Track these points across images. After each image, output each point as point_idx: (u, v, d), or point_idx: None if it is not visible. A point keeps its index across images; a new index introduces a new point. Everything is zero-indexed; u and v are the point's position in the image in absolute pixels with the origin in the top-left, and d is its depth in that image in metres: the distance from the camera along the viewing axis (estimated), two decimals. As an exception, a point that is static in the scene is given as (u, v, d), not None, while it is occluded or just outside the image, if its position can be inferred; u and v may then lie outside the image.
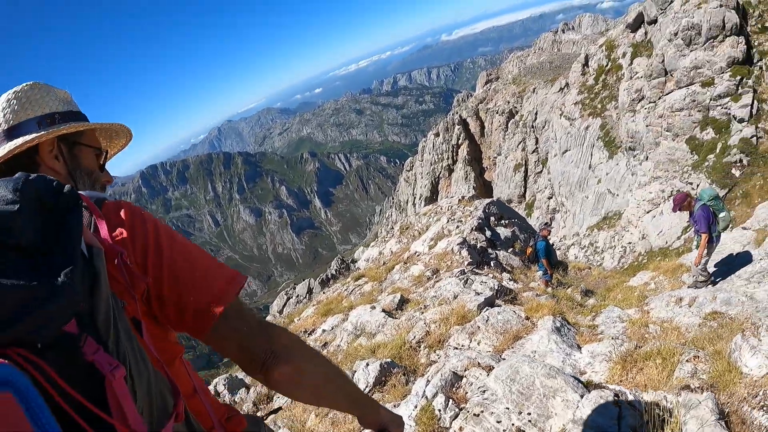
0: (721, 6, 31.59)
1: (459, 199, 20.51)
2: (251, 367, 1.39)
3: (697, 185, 27.91)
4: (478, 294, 7.20)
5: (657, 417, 3.01)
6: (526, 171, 74.15)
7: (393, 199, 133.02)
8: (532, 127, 74.55)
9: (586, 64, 52.01)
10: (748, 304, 6.51)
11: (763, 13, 33.01)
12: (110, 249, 1.18)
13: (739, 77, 29.84)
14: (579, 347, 4.98)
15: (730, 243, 10.70)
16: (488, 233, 15.63)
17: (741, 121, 28.65)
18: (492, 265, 12.99)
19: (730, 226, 10.25)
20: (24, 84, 1.54)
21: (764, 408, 3.02)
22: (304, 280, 30.28)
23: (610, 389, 3.52)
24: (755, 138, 27.60)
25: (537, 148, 72.19)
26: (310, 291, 26.84)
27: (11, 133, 1.49)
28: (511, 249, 15.43)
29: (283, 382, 1.41)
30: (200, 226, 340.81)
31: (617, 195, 39.44)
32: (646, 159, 35.03)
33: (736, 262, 9.60)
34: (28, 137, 1.47)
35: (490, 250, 14.30)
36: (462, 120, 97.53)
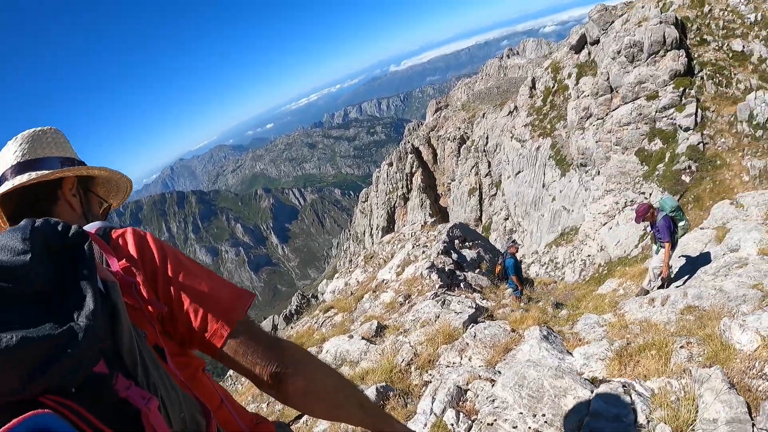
0: (661, 22, 33.36)
1: (422, 225, 20.59)
2: (264, 383, 1.42)
3: (650, 194, 28.94)
4: (459, 313, 7.18)
5: (667, 397, 3.09)
6: (480, 194, 75.20)
7: (350, 231, 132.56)
8: (484, 151, 75.96)
9: (533, 86, 53.67)
10: (719, 296, 6.70)
11: (701, 27, 35.13)
12: (124, 280, 1.22)
13: (682, 88, 31.36)
14: (569, 352, 5.03)
15: (692, 243, 11.06)
16: (454, 256, 15.68)
17: (687, 129, 30.03)
18: (462, 286, 13.01)
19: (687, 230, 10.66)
20: (49, 127, 1.66)
21: (763, 377, 3.22)
22: (266, 318, 29.73)
23: (616, 381, 3.59)
24: (702, 144, 28.99)
25: (490, 171, 73.52)
26: (275, 327, 26.36)
27: (33, 165, 1.57)
28: (478, 270, 15.52)
29: (296, 395, 1.43)
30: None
31: (572, 211, 40.41)
32: (598, 174, 36.14)
33: (701, 259, 9.93)
34: (56, 171, 1.57)
35: (458, 272, 14.34)
36: (414, 148, 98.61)
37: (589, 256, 31.62)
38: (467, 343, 5.39)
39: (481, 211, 74.43)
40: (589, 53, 43.97)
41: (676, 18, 34.33)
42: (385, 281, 15.00)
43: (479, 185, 76.45)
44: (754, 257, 8.42)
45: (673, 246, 9.36)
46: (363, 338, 7.72)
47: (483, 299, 10.94)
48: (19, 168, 1.56)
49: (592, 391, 3.50)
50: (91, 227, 1.39)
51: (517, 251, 12.77)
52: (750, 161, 26.56)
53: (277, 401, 1.66)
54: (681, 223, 9.15)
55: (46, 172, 1.54)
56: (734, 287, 7.14)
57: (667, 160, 30.14)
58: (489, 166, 73.90)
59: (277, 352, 1.42)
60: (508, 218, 60.99)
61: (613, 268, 25.85)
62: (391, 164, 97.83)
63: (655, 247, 9.83)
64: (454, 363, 5.13)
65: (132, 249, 1.36)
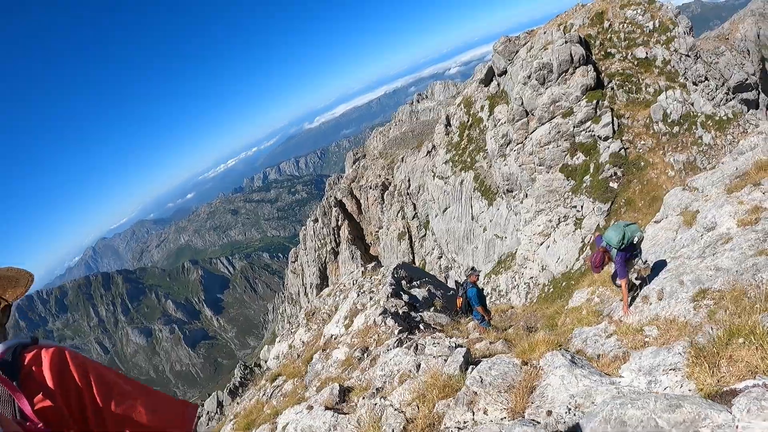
0: (566, 42, 34.84)
1: (362, 272, 19.33)
2: None
3: (581, 206, 29.23)
4: (444, 357, 5.90)
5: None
6: (410, 238, 75.16)
7: (284, 294, 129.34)
8: (408, 194, 76.40)
9: (448, 123, 54.50)
10: (722, 275, 6.27)
11: (603, 42, 37.32)
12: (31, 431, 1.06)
13: (595, 101, 32.52)
14: (607, 374, 3.89)
15: (661, 233, 10.72)
16: (405, 297, 14.62)
17: (606, 139, 30.93)
18: (421, 327, 11.92)
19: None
20: None
21: None
22: (210, 395, 27.59)
23: (751, 384, 2.60)
24: (623, 150, 29.95)
25: (416, 213, 73.80)
26: (220, 405, 24.19)
27: None
28: (432, 308, 14.51)
29: None
30: (88, 357, 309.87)
31: (505, 238, 40.44)
32: (526, 196, 36.38)
33: (677, 246, 9.50)
34: None
35: (413, 314, 13.27)
36: (338, 201, 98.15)
37: (531, 278, 31.33)
38: (475, 392, 4.08)
39: (413, 253, 74.02)
40: (498, 84, 45.19)
41: (579, 37, 36.19)
42: (334, 337, 13.71)
43: (407, 228, 76.56)
44: (735, 230, 8.08)
45: (639, 254, 8.82)
46: (326, 407, 6.23)
47: (448, 337, 9.78)
48: None
49: (730, 412, 2.41)
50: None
51: (477, 279, 11.68)
52: (672, 156, 27.60)
53: None
54: (635, 240, 8.53)
55: None
56: (733, 262, 6.65)
57: (592, 171, 30.71)
58: (414, 208, 74.20)
59: None
60: (441, 256, 60.76)
61: (558, 284, 25.60)
62: (316, 220, 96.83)
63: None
64: (466, 423, 3.80)
65: (49, 379, 1.18)
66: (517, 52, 41.10)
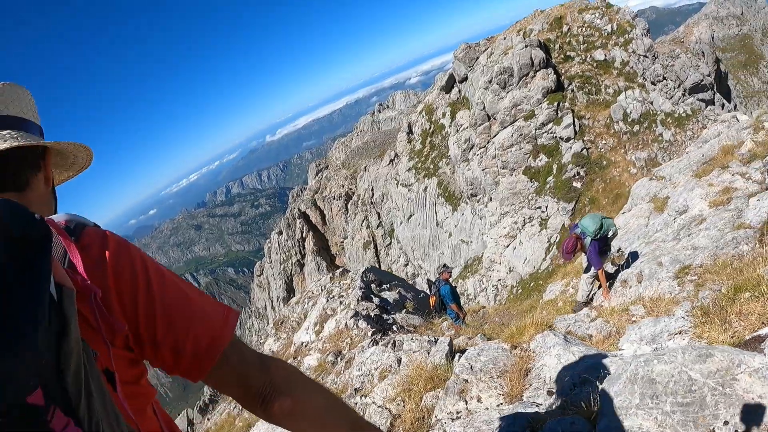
0: (526, 46, 35.33)
1: (330, 277, 18.96)
2: (251, 403, 1.35)
3: (546, 206, 29.57)
4: (421, 350, 5.63)
5: None
6: (375, 247, 74.97)
7: (250, 308, 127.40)
8: (372, 203, 76.33)
9: (410, 131, 54.58)
10: (700, 252, 6.31)
11: (563, 45, 38.10)
12: (84, 288, 1.05)
13: (556, 103, 33.08)
14: (606, 351, 3.73)
15: (633, 220, 10.83)
16: (376, 300, 14.32)
17: (568, 140, 31.46)
18: (394, 329, 11.66)
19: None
20: (10, 83, 1.36)
21: None
22: (180, 414, 26.85)
23: None
24: (585, 150, 30.54)
25: (381, 222, 73.70)
26: (191, 423, 23.45)
27: (19, 124, 1.32)
28: (404, 310, 14.26)
29: (282, 416, 1.35)
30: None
31: (471, 242, 40.56)
32: (490, 200, 36.57)
33: (650, 232, 9.56)
34: (41, 140, 1.34)
35: (385, 316, 12.99)
36: (302, 213, 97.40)
37: (499, 280, 31.45)
38: (466, 380, 3.80)
39: (379, 262, 73.70)
40: (460, 91, 45.52)
41: (539, 41, 36.90)
42: (304, 344, 13.40)
43: (372, 237, 76.43)
44: (708, 211, 8.19)
45: (609, 251, 8.74)
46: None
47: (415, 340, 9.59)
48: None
49: (765, 354, 2.34)
50: (59, 218, 1.19)
51: (450, 276, 11.49)
52: (634, 154, 28.32)
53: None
54: (610, 233, 8.52)
55: (37, 138, 1.32)
56: (710, 241, 6.72)
57: (555, 171, 31.13)
58: (379, 217, 74.08)
59: (265, 372, 1.34)
60: (408, 264, 60.68)
61: (527, 285, 25.79)
62: (280, 233, 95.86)
63: (585, 261, 9.19)
64: (459, 413, 3.51)
65: (107, 253, 1.16)
66: (478, 58, 41.53)
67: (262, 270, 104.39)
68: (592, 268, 8.69)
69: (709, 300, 3.74)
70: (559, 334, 3.97)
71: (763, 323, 2.83)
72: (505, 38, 39.08)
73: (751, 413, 2.05)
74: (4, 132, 1.27)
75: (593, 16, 39.08)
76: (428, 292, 15.64)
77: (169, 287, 1.23)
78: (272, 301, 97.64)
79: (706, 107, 32.62)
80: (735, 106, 35.30)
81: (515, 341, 4.32)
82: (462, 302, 32.51)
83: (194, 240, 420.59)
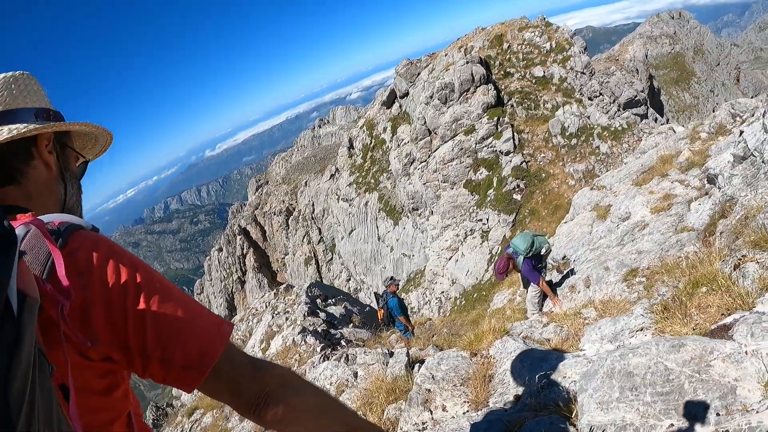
0: (467, 63, 36.15)
1: (275, 293, 18.59)
2: (244, 411, 1.34)
3: (487, 219, 30.16)
4: (377, 363, 5.55)
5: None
6: (317, 262, 74.51)
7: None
8: (312, 218, 75.88)
9: (351, 146, 54.58)
10: (646, 256, 6.49)
11: (503, 62, 39.28)
12: (53, 298, 1.01)
13: (496, 118, 33.95)
14: (567, 352, 3.79)
15: (576, 228, 11.06)
16: (322, 315, 14.14)
17: (508, 153, 32.33)
18: (343, 343, 11.52)
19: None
20: (19, 72, 1.43)
21: None
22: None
23: (741, 317, 2.60)
24: (524, 163, 31.45)
25: (322, 237, 73.33)
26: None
27: (5, 117, 1.35)
28: (351, 324, 14.14)
29: (276, 423, 1.34)
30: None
31: (413, 256, 40.82)
32: (432, 213, 36.97)
33: (594, 239, 9.80)
34: (30, 126, 1.34)
35: (332, 331, 12.84)
36: (242, 229, 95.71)
37: (442, 292, 31.74)
38: (428, 390, 3.74)
39: (320, 278, 73.13)
40: (401, 106, 46.01)
41: (480, 58, 37.96)
42: (249, 363, 12.88)
43: (314, 253, 75.95)
44: (650, 217, 8.45)
45: (544, 269, 8.83)
46: (255, 433, 5.69)
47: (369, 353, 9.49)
48: None
49: (734, 341, 2.40)
50: (52, 218, 1.16)
51: (397, 289, 11.43)
52: (572, 167, 29.41)
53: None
54: (543, 251, 8.57)
55: (22, 126, 1.31)
56: (654, 244, 6.95)
57: (495, 184, 31.87)
58: (320, 232, 73.71)
59: (259, 378, 1.32)
60: (350, 279, 60.48)
61: (470, 297, 26.10)
62: (220, 250, 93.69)
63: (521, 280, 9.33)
64: (425, 423, 3.45)
65: (95, 259, 1.13)
66: (419, 74, 42.21)
67: (203, 288, 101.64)
68: (531, 284, 8.80)
69: (667, 296, 3.86)
70: (519, 339, 4.00)
71: (722, 314, 2.96)
72: (446, 54, 39.90)
73: (728, 395, 2.13)
74: (10, 126, 1.29)
75: (533, 34, 40.62)
76: (374, 305, 15.54)
77: (161, 298, 1.19)
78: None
79: (641, 121, 34.34)
80: (667, 120, 37.38)
81: (474, 348, 4.31)
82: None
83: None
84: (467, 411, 3.35)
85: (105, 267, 1.13)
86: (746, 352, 2.25)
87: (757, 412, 1.99)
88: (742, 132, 6.25)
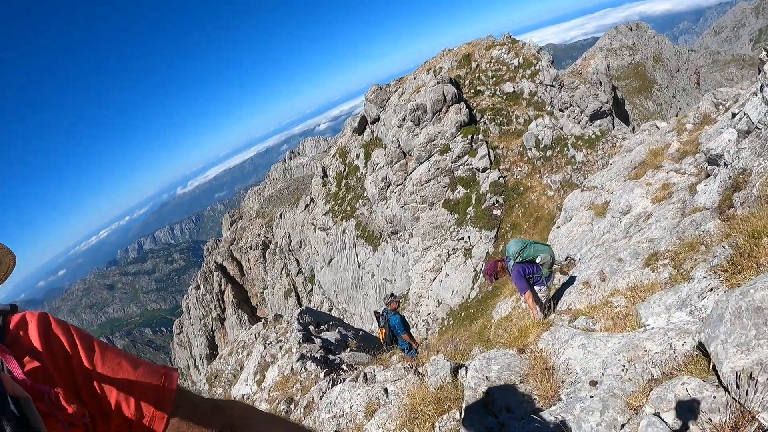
0: (438, 83, 36.40)
1: (264, 323, 18.08)
2: None
3: (468, 236, 30.05)
4: (404, 378, 5.20)
5: None
6: (297, 294, 73.61)
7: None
8: (290, 250, 75.19)
9: (325, 175, 54.32)
10: (658, 243, 6.40)
11: (473, 81, 39.89)
12: (35, 390, 1.04)
13: (470, 135, 34.18)
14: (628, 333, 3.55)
15: (575, 228, 11.01)
16: (318, 341, 13.71)
17: (484, 170, 32.47)
18: (344, 368, 11.10)
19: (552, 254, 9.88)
20: None
21: None
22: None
23: None
24: (502, 178, 31.61)
25: (300, 268, 72.55)
26: None
27: None
28: (348, 349, 13.74)
29: None
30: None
31: (395, 280, 40.45)
32: (411, 236, 36.75)
33: (597, 235, 9.68)
34: None
35: (331, 356, 12.42)
36: (218, 266, 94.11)
37: (429, 314, 31.37)
38: (485, 391, 3.44)
39: (302, 310, 72.06)
40: (372, 132, 46.11)
41: (450, 78, 38.31)
42: (246, 396, 12.56)
43: (293, 285, 75.09)
44: (652, 207, 8.47)
45: (542, 281, 8.22)
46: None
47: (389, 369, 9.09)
48: None
49: None
50: None
51: (398, 306, 11.03)
52: (549, 178, 29.67)
53: None
54: (538, 259, 7.89)
55: None
56: (663, 231, 6.90)
57: (474, 202, 31.88)
58: (298, 263, 72.94)
59: (219, 415, 1.35)
60: (332, 308, 59.64)
61: (457, 316, 25.85)
62: (198, 287, 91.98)
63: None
64: (491, 429, 3.14)
65: (36, 341, 1.16)
66: (389, 98, 42.46)
67: (182, 328, 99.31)
68: (530, 290, 8.24)
69: (727, 255, 3.71)
70: (572, 327, 3.73)
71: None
72: (415, 77, 40.26)
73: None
74: None
75: (500, 51, 41.40)
76: (366, 329, 15.12)
77: (103, 359, 1.22)
78: (195, 359, 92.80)
79: (614, 127, 35.02)
80: (633, 129, 38.07)
81: (521, 345, 4.01)
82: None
83: (107, 301, 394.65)
84: (540, 408, 3.05)
85: (44, 340, 1.15)
86: None
87: None
88: (734, 114, 6.27)
